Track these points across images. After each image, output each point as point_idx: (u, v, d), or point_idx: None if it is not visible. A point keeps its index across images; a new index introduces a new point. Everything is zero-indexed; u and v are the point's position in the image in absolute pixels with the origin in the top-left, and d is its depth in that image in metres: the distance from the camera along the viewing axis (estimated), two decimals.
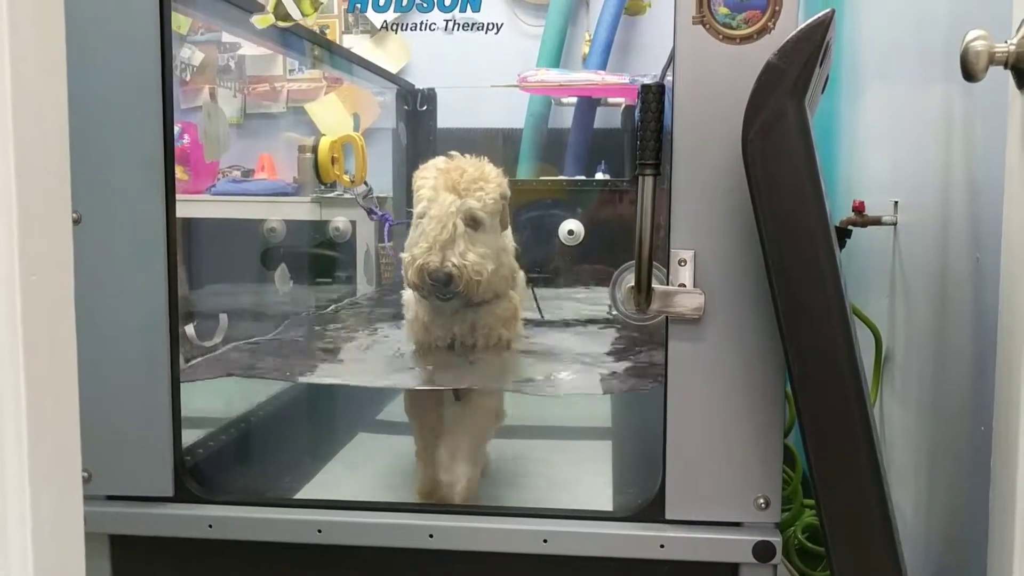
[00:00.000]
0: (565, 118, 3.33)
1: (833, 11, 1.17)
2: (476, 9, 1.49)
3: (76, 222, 1.44)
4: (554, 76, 3.14)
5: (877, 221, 1.77)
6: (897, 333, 1.81)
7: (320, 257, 3.01)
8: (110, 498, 1.50)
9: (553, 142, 3.28)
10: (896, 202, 1.77)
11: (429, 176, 1.59)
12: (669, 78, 1.45)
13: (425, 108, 3.14)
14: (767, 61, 1.17)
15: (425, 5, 1.47)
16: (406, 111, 3.14)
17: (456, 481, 1.60)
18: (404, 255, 1.58)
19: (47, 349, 0.68)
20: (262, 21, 1.50)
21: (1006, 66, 1.06)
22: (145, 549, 1.50)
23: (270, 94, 3.60)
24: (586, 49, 3.42)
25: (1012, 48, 1.05)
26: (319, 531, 1.46)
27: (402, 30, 1.54)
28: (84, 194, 1.43)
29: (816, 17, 1.17)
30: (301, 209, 3.16)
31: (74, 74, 1.39)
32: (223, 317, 2.22)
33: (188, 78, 3.64)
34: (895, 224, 1.77)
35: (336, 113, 3.49)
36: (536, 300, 1.77)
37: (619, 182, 3.04)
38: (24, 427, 0.65)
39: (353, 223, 2.90)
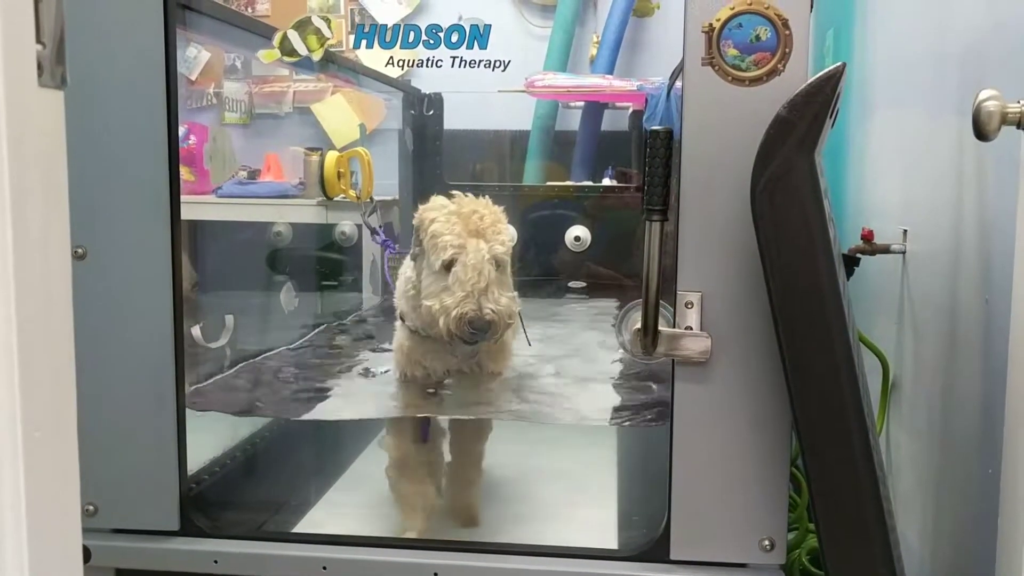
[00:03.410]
0: (572, 120, 3.32)
1: (844, 65, 1.15)
2: (483, 46, 1.48)
3: (81, 257, 1.44)
4: (561, 80, 3.12)
5: (886, 250, 1.76)
6: (905, 362, 1.80)
7: (326, 262, 3.01)
8: (116, 531, 1.51)
9: (560, 143, 3.27)
10: (905, 230, 1.76)
11: (445, 221, 1.56)
12: (678, 86, 1.44)
13: (432, 112, 3.12)
14: (777, 114, 1.16)
15: (432, 42, 1.46)
16: (412, 116, 3.13)
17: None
18: (429, 303, 1.55)
19: (46, 384, 0.65)
20: (268, 56, 1.49)
21: (1019, 126, 1.05)
22: None
23: (277, 95, 3.58)
24: (594, 51, 3.39)
25: None
26: (324, 568, 1.46)
27: (408, 66, 1.52)
28: (88, 228, 1.44)
29: (827, 71, 1.15)
30: (307, 212, 3.14)
31: (78, 98, 1.39)
32: (229, 318, 2.22)
33: (194, 77, 3.63)
34: (904, 252, 1.76)
35: (343, 114, 3.48)
36: (524, 328, 1.77)
37: (625, 188, 3.03)
38: (21, 464, 0.62)
39: (359, 227, 2.89)
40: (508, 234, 1.59)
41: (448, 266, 1.54)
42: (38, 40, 0.53)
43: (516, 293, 1.61)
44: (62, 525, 0.60)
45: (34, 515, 0.54)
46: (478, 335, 1.53)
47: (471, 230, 1.54)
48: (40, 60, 0.54)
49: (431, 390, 1.74)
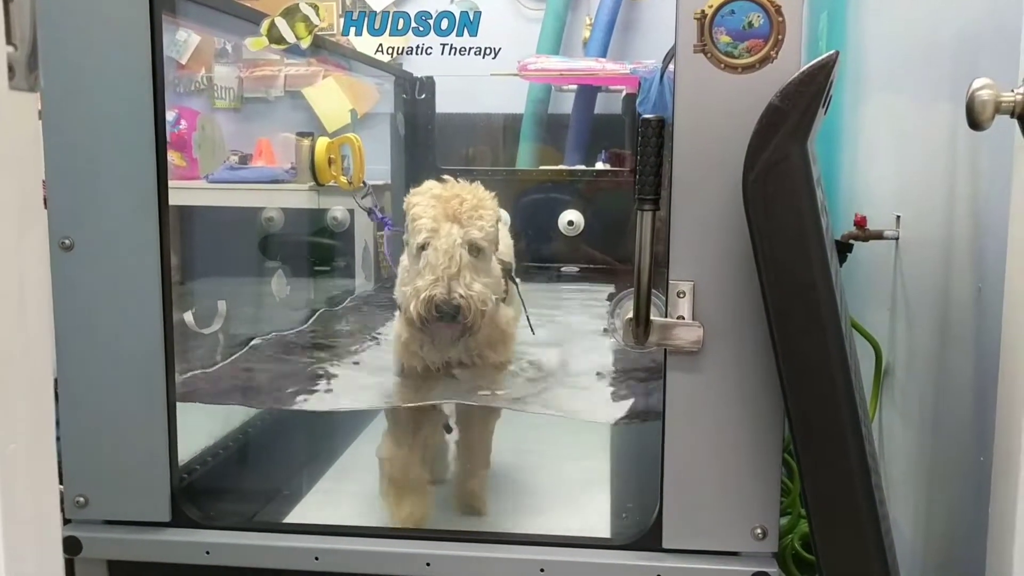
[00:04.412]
0: (566, 103, 3.30)
1: (837, 53, 1.14)
2: (473, 33, 1.47)
3: (69, 248, 1.43)
4: (554, 64, 3.10)
5: (879, 236, 1.76)
6: (898, 349, 1.79)
7: (318, 248, 2.99)
8: (107, 523, 1.50)
9: (553, 127, 3.26)
10: (899, 216, 1.75)
11: (425, 204, 1.56)
12: (671, 69, 1.43)
13: (423, 96, 3.10)
14: (769, 103, 1.15)
15: (422, 29, 1.45)
16: (404, 99, 3.10)
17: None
18: (406, 289, 1.55)
19: (22, 395, 0.63)
20: (256, 44, 1.48)
21: (1012, 115, 1.04)
22: (143, 574, 1.51)
23: (267, 79, 3.55)
24: (587, 33, 3.37)
25: (1019, 97, 1.03)
26: (316, 558, 1.46)
27: (398, 54, 1.51)
28: (76, 220, 1.42)
29: (820, 59, 1.14)
30: (299, 197, 3.12)
31: (65, 94, 1.38)
32: (221, 304, 2.21)
33: (184, 61, 3.59)
34: (897, 239, 1.75)
35: (334, 98, 3.45)
36: (528, 317, 1.76)
37: (618, 171, 3.02)
38: None
39: (351, 212, 2.87)
40: (492, 219, 1.58)
41: (423, 249, 1.54)
42: (8, 42, 0.52)
43: (518, 281, 1.59)
44: (40, 544, 0.59)
45: (11, 535, 0.53)
46: (445, 319, 1.52)
47: (448, 214, 1.54)
48: (11, 63, 0.52)
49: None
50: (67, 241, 1.43)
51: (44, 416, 0.58)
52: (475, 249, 1.54)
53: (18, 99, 0.53)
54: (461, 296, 1.49)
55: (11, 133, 0.52)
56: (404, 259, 1.74)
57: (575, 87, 3.24)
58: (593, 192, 3.03)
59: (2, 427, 0.51)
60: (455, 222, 1.53)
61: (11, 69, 0.52)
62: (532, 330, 1.83)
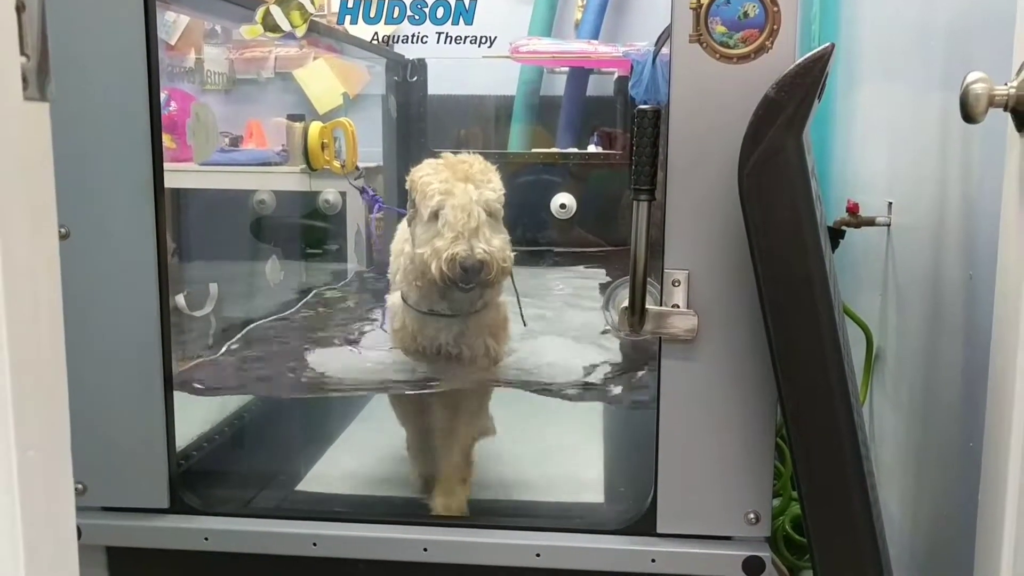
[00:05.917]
0: (558, 85, 3.29)
1: (832, 45, 1.15)
2: (469, 22, 1.47)
3: (64, 237, 1.43)
4: (546, 46, 3.09)
5: (871, 222, 1.77)
6: (889, 334, 1.81)
7: (310, 231, 2.99)
8: (106, 510, 1.51)
9: (545, 109, 3.25)
10: (890, 203, 1.76)
11: (434, 172, 1.56)
12: (665, 51, 1.43)
13: (415, 78, 3.09)
14: (765, 95, 1.16)
15: (417, 17, 1.45)
16: (396, 81, 3.10)
17: (451, 503, 1.64)
18: (421, 250, 1.53)
19: (39, 403, 0.65)
20: (250, 32, 1.47)
21: (1006, 108, 1.04)
22: (142, 561, 1.52)
23: (258, 61, 3.53)
24: (579, 15, 3.36)
25: (1012, 91, 1.03)
26: (314, 544, 1.47)
27: (393, 42, 1.51)
28: (71, 209, 1.42)
29: (815, 51, 1.15)
30: (290, 180, 3.11)
31: (57, 80, 1.37)
32: (213, 287, 2.21)
33: (174, 42, 3.56)
34: (889, 225, 1.77)
35: (325, 80, 3.43)
36: (520, 306, 1.76)
37: (610, 154, 3.02)
38: (16, 486, 0.62)
39: (343, 195, 2.87)
40: (500, 184, 1.58)
41: (438, 213, 1.53)
42: (22, 52, 0.52)
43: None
44: (56, 543, 0.60)
45: (30, 536, 0.54)
46: (470, 276, 1.50)
47: (459, 176, 1.54)
48: (25, 73, 0.53)
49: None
50: (63, 230, 1.42)
51: (59, 418, 0.59)
52: (488, 212, 1.53)
53: (32, 109, 0.53)
54: (484, 251, 1.49)
55: (25, 144, 0.52)
56: (401, 244, 1.73)
57: (567, 69, 3.23)
58: (586, 175, 3.03)
59: (21, 433, 0.52)
60: (469, 182, 1.53)
61: (24, 80, 0.52)
62: (524, 321, 1.83)
